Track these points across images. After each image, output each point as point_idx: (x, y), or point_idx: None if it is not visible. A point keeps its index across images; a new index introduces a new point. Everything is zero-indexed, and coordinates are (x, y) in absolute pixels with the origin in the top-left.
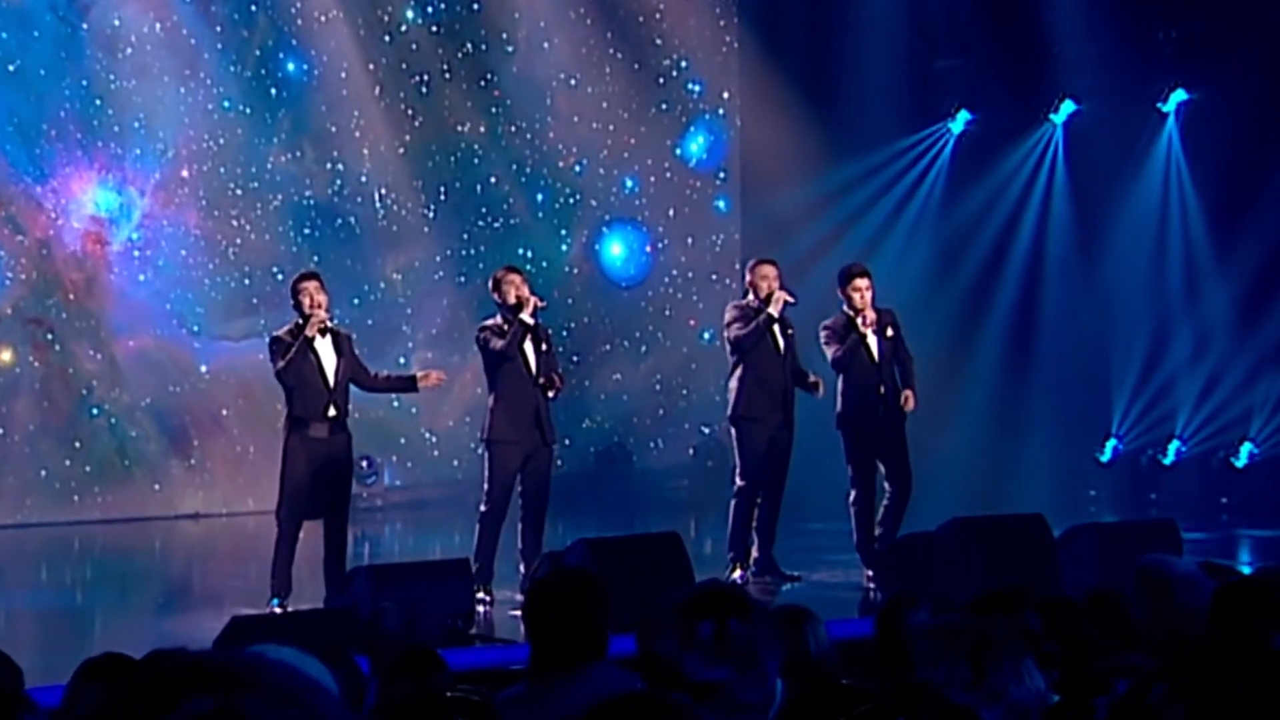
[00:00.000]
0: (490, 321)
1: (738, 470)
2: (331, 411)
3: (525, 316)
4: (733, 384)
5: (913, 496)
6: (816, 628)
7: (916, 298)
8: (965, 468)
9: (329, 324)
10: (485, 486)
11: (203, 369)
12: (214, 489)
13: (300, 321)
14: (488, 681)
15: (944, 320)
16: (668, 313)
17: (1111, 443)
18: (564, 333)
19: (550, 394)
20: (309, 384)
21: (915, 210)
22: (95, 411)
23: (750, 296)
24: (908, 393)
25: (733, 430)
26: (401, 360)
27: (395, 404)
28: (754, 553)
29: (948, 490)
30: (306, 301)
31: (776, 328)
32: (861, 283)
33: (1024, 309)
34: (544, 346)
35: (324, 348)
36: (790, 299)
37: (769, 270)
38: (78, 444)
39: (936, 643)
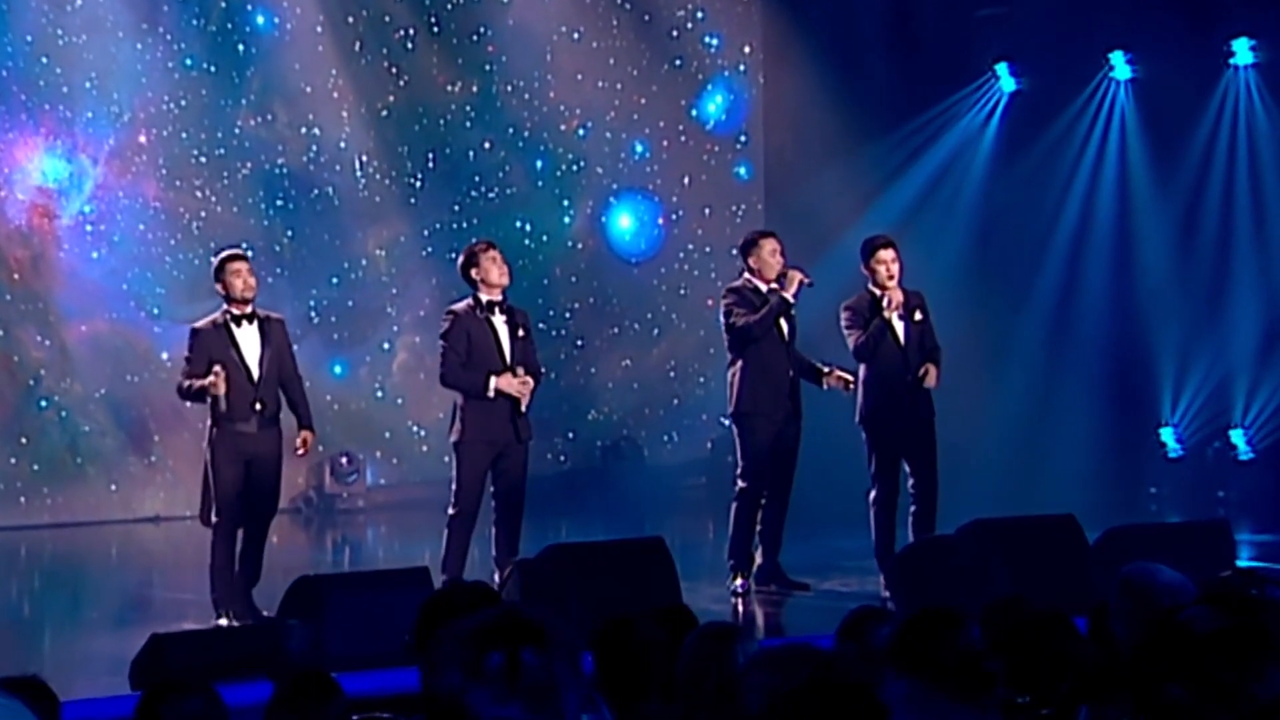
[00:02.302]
0: (459, 306)
1: (739, 470)
2: (258, 406)
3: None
4: (733, 377)
5: (939, 497)
6: (748, 647)
7: (955, 273)
8: (1001, 463)
9: (254, 308)
10: (454, 488)
11: (164, 356)
12: (176, 489)
13: (227, 308)
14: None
15: (981, 299)
16: (683, 291)
17: (1168, 432)
18: (567, 314)
19: (527, 391)
20: (230, 379)
21: (958, 176)
22: (44, 404)
23: (746, 276)
24: (929, 366)
25: (734, 427)
26: (386, 346)
27: (379, 394)
28: (758, 559)
29: (980, 489)
30: (239, 284)
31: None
32: (886, 255)
33: (1069, 286)
34: (520, 332)
35: (247, 336)
36: (807, 280)
37: (773, 244)
38: (24, 440)
39: (770, 673)
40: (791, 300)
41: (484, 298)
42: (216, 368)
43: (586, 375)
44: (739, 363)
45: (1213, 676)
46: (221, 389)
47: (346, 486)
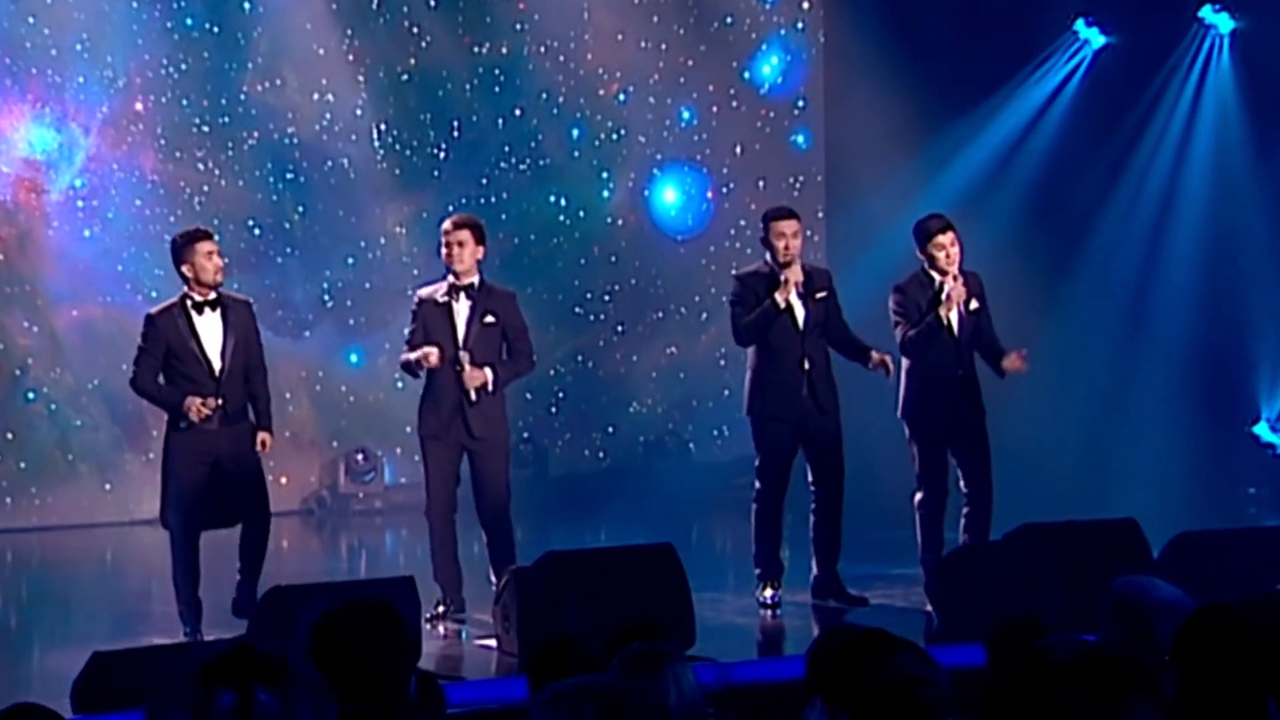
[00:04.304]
0: (426, 290)
1: (755, 469)
2: (220, 403)
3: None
4: (747, 372)
5: (1001, 499)
6: (680, 672)
7: (1026, 249)
8: (1075, 462)
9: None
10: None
11: None
12: None
13: (188, 293)
14: None
15: (1055, 278)
16: (734, 272)
17: (1263, 427)
18: (606, 297)
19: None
20: (189, 373)
21: (1034, 143)
22: (31, 396)
23: (764, 259)
24: (1015, 355)
25: (750, 427)
26: (406, 331)
27: (399, 384)
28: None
29: (1050, 490)
30: (212, 267)
31: (795, 298)
32: (945, 239)
33: (1153, 263)
34: (488, 318)
35: (209, 325)
36: (799, 280)
37: (786, 226)
38: (10, 435)
39: (557, 711)
40: (781, 306)
41: (451, 281)
42: (198, 402)
43: (628, 364)
44: (751, 359)
45: (1072, 710)
46: (199, 416)
47: (363, 486)
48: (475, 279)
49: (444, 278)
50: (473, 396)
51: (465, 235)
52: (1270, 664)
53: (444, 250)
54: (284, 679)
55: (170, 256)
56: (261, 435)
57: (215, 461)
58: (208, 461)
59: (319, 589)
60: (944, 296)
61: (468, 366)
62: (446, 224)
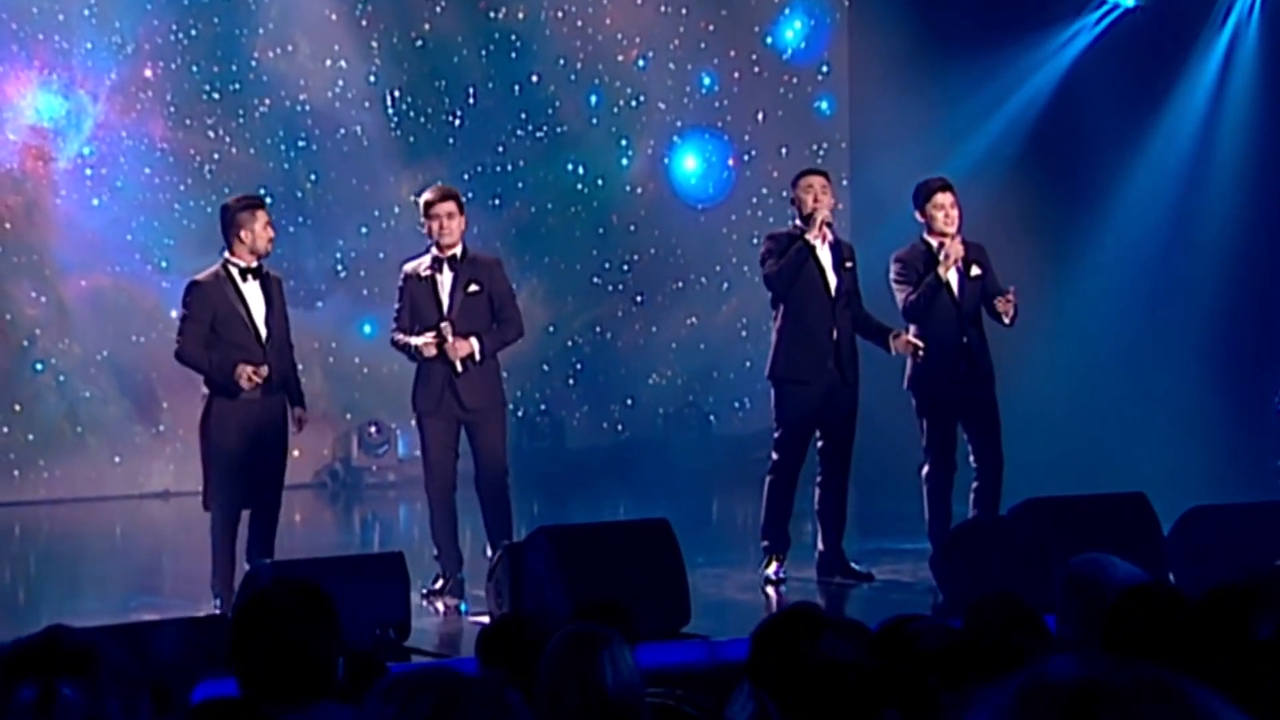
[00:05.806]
0: (411, 265)
1: (774, 439)
2: (265, 371)
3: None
4: (773, 335)
5: (1013, 473)
6: (616, 654)
7: (1047, 213)
8: (1095, 435)
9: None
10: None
11: (172, 314)
12: (187, 461)
13: (232, 260)
14: None
15: (1078, 245)
16: (755, 241)
17: None
18: (625, 267)
19: (457, 356)
20: (237, 340)
21: (1065, 106)
22: (39, 367)
23: (796, 221)
24: (1011, 292)
25: (772, 392)
26: (395, 307)
27: None
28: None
29: (1068, 463)
30: (266, 237)
31: (826, 260)
32: (944, 199)
33: (1178, 229)
34: (473, 287)
35: (253, 293)
36: (830, 220)
37: (814, 180)
38: (18, 407)
39: (390, 700)
40: (812, 243)
41: (435, 254)
42: (249, 370)
43: (647, 335)
44: (778, 321)
45: (931, 699)
46: (250, 385)
47: (376, 459)
48: (459, 249)
49: (427, 250)
50: (459, 367)
51: (452, 207)
52: (1199, 645)
53: (429, 224)
54: (91, 670)
55: (220, 222)
56: (298, 412)
57: (256, 433)
58: (249, 433)
59: (299, 565)
60: (942, 256)
61: (450, 337)
62: (429, 195)
